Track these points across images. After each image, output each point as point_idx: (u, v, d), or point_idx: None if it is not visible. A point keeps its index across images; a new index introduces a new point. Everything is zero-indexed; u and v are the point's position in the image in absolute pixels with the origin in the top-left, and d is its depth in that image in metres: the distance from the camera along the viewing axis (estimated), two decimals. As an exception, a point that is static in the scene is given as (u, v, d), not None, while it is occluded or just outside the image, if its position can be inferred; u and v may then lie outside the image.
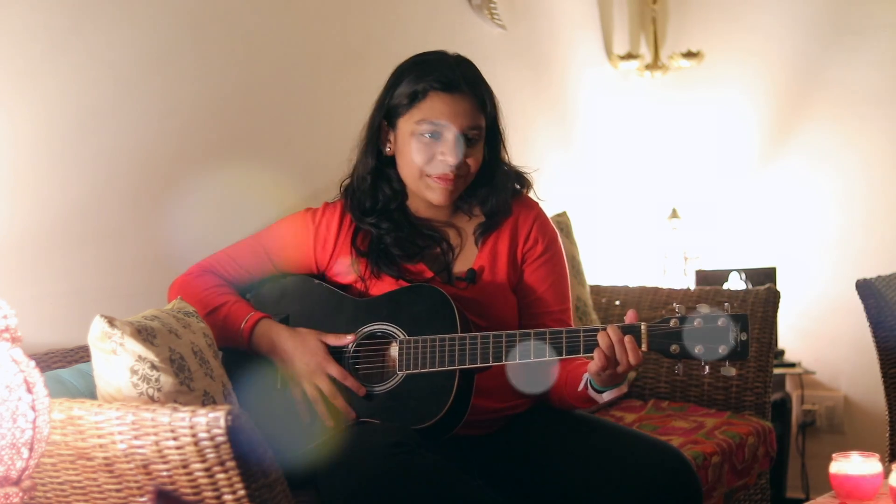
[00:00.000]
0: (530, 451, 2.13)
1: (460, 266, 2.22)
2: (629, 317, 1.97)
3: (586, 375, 2.04)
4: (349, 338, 2.14)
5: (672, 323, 1.95)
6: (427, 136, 2.14)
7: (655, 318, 3.05)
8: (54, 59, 2.28)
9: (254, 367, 2.20)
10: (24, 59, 2.22)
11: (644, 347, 1.95)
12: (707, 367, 1.95)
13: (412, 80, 2.16)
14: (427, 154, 2.14)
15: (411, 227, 2.21)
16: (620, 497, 2.00)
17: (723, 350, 1.92)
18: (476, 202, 2.23)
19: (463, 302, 2.14)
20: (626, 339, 1.93)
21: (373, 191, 2.22)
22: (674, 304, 2.00)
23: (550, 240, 2.25)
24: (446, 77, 2.14)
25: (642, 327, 1.95)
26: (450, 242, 2.23)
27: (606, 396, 2.04)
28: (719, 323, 1.92)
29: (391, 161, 2.22)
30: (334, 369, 2.11)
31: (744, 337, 1.92)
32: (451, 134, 2.13)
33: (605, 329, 1.95)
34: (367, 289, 2.19)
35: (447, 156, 2.13)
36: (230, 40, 2.65)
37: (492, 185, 2.22)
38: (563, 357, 2.00)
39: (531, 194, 2.30)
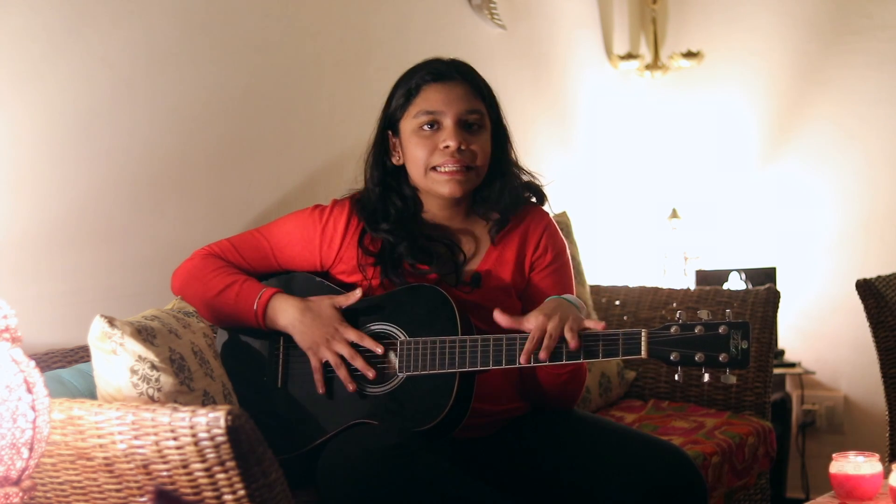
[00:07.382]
0: (532, 451, 2.13)
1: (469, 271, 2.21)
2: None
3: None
4: (358, 293, 2.13)
5: (672, 330, 1.93)
6: (426, 127, 2.15)
7: (655, 318, 3.09)
8: (54, 59, 2.28)
9: (254, 366, 2.20)
10: (24, 59, 2.22)
11: (644, 354, 1.93)
12: (707, 375, 1.94)
13: (405, 81, 2.20)
14: (429, 146, 2.14)
15: (426, 237, 2.19)
16: (624, 497, 1.99)
17: (723, 358, 1.90)
18: (491, 200, 2.21)
19: (467, 306, 2.13)
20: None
21: (383, 201, 2.20)
22: (676, 311, 1.98)
23: (559, 251, 2.24)
24: (437, 69, 2.18)
25: (642, 334, 1.94)
26: (463, 249, 2.21)
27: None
28: (720, 330, 1.90)
29: (399, 172, 2.22)
30: (352, 333, 2.10)
31: (745, 345, 1.89)
32: (448, 121, 2.14)
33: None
34: (371, 290, 2.18)
35: (448, 141, 2.13)
36: (230, 41, 2.65)
37: (504, 181, 2.21)
38: (562, 362, 1.99)
39: (546, 207, 2.30)
